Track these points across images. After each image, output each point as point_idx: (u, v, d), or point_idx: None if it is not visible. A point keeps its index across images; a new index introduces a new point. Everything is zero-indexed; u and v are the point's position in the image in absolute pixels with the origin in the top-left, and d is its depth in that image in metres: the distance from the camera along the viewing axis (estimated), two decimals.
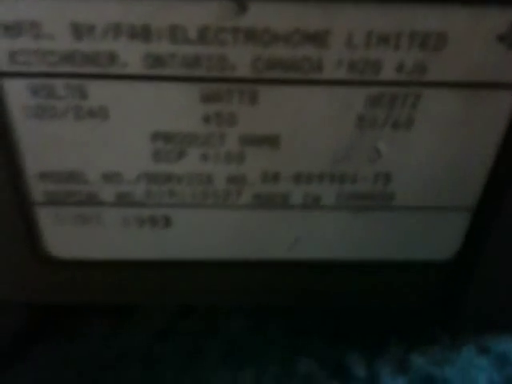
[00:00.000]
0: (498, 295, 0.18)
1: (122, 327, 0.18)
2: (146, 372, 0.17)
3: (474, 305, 0.18)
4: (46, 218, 0.16)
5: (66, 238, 0.17)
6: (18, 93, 0.14)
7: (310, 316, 0.18)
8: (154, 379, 0.16)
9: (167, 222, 0.16)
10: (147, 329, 0.18)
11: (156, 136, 0.15)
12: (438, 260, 0.17)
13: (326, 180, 0.16)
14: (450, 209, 0.16)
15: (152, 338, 0.18)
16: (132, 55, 0.13)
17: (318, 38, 0.13)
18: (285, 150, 0.15)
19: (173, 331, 0.18)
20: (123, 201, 0.16)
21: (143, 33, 0.13)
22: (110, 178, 0.15)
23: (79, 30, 0.13)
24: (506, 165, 0.15)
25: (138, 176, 0.15)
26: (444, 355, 0.18)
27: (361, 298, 0.18)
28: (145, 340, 0.18)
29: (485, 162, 0.15)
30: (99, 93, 0.14)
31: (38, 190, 0.16)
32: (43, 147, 0.15)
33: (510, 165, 0.15)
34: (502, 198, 0.16)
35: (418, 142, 0.15)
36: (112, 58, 0.13)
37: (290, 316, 0.18)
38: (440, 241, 0.17)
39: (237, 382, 0.16)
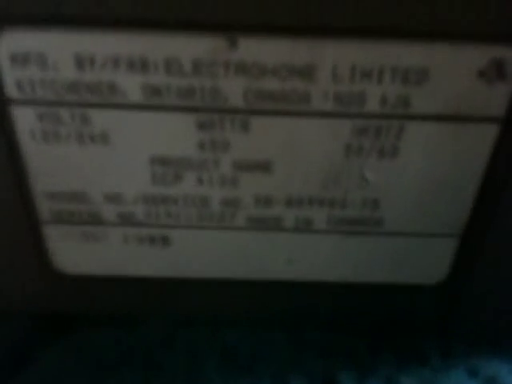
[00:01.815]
0: (486, 317, 0.18)
1: (124, 335, 0.19)
2: (147, 378, 0.17)
3: (464, 326, 0.18)
4: (52, 236, 0.17)
5: (71, 254, 0.17)
6: (25, 119, 0.15)
7: (302, 332, 0.19)
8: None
9: (165, 241, 0.17)
10: (149, 337, 0.19)
11: (154, 160, 0.15)
12: (427, 283, 0.18)
13: (316, 204, 0.16)
14: (438, 234, 0.17)
15: (153, 346, 0.18)
16: (131, 85, 0.14)
17: (305, 72, 0.14)
18: (276, 175, 0.16)
19: (173, 340, 0.19)
20: (124, 220, 0.17)
21: (141, 64, 0.14)
22: (111, 198, 0.16)
23: (81, 61, 0.14)
24: (491, 191, 0.16)
25: (137, 197, 0.16)
26: (433, 376, 0.18)
27: (351, 318, 0.18)
28: (146, 347, 0.18)
29: (470, 188, 0.16)
30: (101, 120, 0.15)
31: (45, 209, 0.16)
32: (49, 169, 0.16)
33: (495, 192, 0.16)
34: (489, 223, 0.16)
35: (403, 170, 0.15)
36: (112, 87, 0.14)
37: (283, 331, 0.19)
38: (428, 265, 0.17)
39: None
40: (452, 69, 0.14)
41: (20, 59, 0.14)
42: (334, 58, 0.14)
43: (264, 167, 0.15)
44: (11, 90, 0.14)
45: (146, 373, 0.18)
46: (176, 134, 0.15)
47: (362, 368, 0.18)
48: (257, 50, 0.14)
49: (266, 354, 0.18)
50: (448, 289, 0.18)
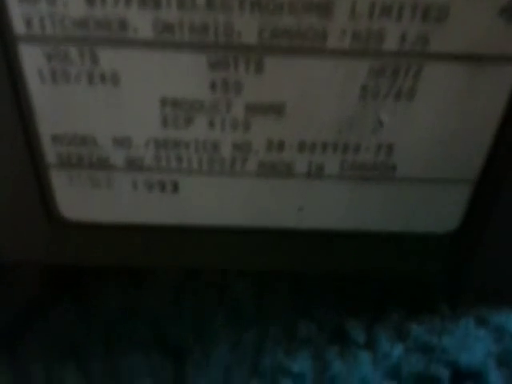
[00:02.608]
0: (498, 267, 0.18)
1: (132, 288, 0.19)
2: (156, 331, 0.17)
3: (475, 276, 0.18)
4: (59, 181, 0.17)
5: (78, 200, 0.17)
6: (33, 57, 0.14)
7: (312, 281, 0.19)
8: (162, 338, 0.17)
9: (175, 187, 0.17)
10: (157, 290, 0.18)
11: (165, 102, 0.15)
12: (440, 232, 0.18)
13: (329, 149, 0.16)
14: (452, 181, 0.17)
15: (161, 300, 0.18)
16: (142, 21, 0.14)
17: (322, 8, 0.13)
18: (290, 118, 0.15)
19: (181, 292, 0.18)
20: (133, 165, 0.16)
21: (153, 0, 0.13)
22: (120, 142, 0.16)
23: None
24: (507, 137, 0.15)
25: (147, 141, 0.16)
26: (442, 325, 0.18)
27: (362, 267, 0.18)
28: (154, 301, 0.18)
29: (487, 134, 0.16)
30: (111, 59, 0.14)
31: (51, 152, 0.16)
32: (57, 111, 0.15)
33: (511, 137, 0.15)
34: (505, 170, 0.16)
35: (420, 114, 0.15)
36: (123, 24, 0.14)
37: (293, 280, 0.19)
38: (441, 213, 0.17)
39: (239, 344, 0.17)
40: (473, 6, 0.13)
41: None
42: None
43: (277, 110, 0.15)
44: (19, 27, 0.14)
45: (154, 326, 0.18)
46: (188, 75, 0.15)
47: (371, 316, 0.18)
48: None
49: (274, 304, 0.18)
50: (461, 238, 0.18)
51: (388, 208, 0.17)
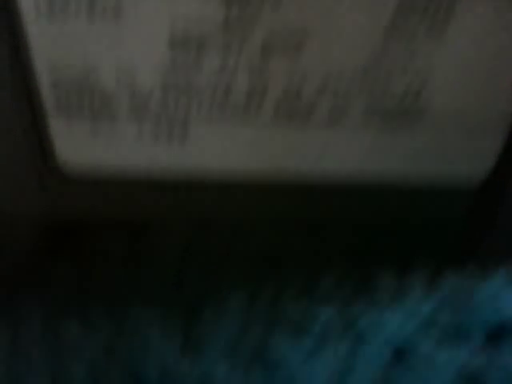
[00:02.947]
0: None
1: (137, 241, 0.18)
2: (163, 284, 0.16)
3: (502, 233, 0.17)
4: (59, 130, 0.15)
5: (79, 151, 0.16)
6: None
7: (332, 233, 0.17)
8: (170, 291, 0.16)
9: (183, 136, 0.15)
10: (164, 242, 0.17)
11: (173, 40, 0.14)
12: (467, 184, 0.16)
13: (353, 91, 0.14)
14: (482, 128, 0.15)
15: (169, 251, 0.17)
16: None
17: None
18: (310, 57, 0.14)
19: (189, 245, 0.17)
20: (138, 111, 0.15)
21: None
22: (124, 85, 0.14)
23: None
24: None
25: (153, 84, 0.14)
26: (473, 281, 0.17)
27: (385, 220, 0.17)
28: (162, 252, 0.17)
29: None
30: None
31: (50, 97, 0.15)
32: (56, 51, 0.14)
33: None
34: None
35: (451, 52, 0.14)
36: None
37: (309, 234, 0.17)
38: (469, 165, 0.16)
39: (256, 297, 0.16)
40: None
41: None
42: None
43: (296, 47, 0.14)
44: None
45: (162, 279, 0.17)
46: (199, 8, 0.13)
47: (397, 271, 0.17)
48: None
49: (292, 256, 0.17)
50: (487, 190, 0.16)
51: (412, 158, 0.16)
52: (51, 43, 0.14)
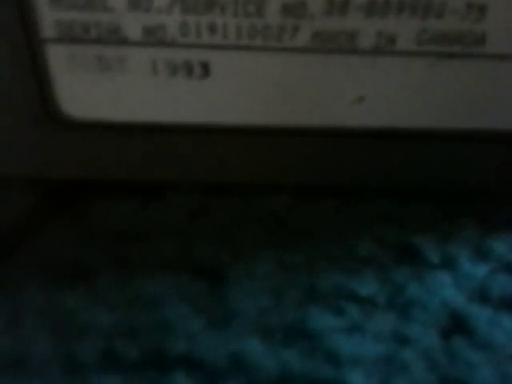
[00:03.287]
0: None
1: (144, 207, 0.15)
2: (180, 249, 0.14)
3: None
4: (58, 61, 0.13)
5: (82, 90, 0.13)
6: None
7: (367, 195, 0.15)
8: (189, 257, 0.13)
9: (205, 69, 0.13)
10: (179, 206, 0.15)
11: None
12: None
13: (406, 12, 0.12)
14: None
15: (185, 216, 0.15)
16: None
17: None
18: None
19: (207, 207, 0.15)
20: (152, 38, 0.13)
21: None
22: (136, 3, 0.12)
23: None
24: None
25: (171, 1, 0.12)
26: None
27: (429, 176, 0.15)
28: (176, 218, 0.15)
29: None
30: None
31: (49, 20, 0.12)
32: None
33: None
34: None
35: None
36: None
37: (343, 195, 0.15)
38: None
39: (288, 263, 0.13)
40: None
41: None
42: None
43: None
44: None
45: (178, 244, 0.14)
46: None
47: (443, 233, 0.14)
48: None
49: (323, 224, 0.15)
50: None
51: (468, 97, 0.14)
52: None
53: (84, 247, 0.14)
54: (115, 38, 0.13)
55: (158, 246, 0.14)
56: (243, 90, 0.13)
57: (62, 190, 0.16)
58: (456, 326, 0.13)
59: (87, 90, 0.13)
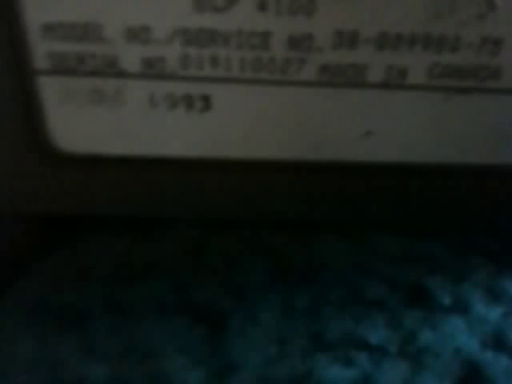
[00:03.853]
0: None
1: (140, 244, 0.14)
2: (178, 292, 0.13)
3: None
4: (51, 93, 0.12)
5: (77, 123, 0.13)
6: None
7: (376, 233, 0.14)
8: (187, 301, 0.13)
9: (206, 102, 0.12)
10: (176, 242, 0.14)
11: None
12: None
13: (418, 45, 0.12)
14: None
15: (182, 254, 0.14)
16: None
17: None
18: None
19: (206, 246, 0.14)
20: (151, 70, 0.12)
21: None
22: (134, 34, 0.11)
23: None
24: None
25: (172, 33, 0.11)
26: None
27: (441, 214, 0.14)
28: (174, 255, 0.14)
29: None
30: None
31: (41, 51, 0.12)
32: None
33: None
34: None
35: None
36: None
37: (349, 232, 0.14)
38: None
39: (291, 308, 0.12)
40: None
41: None
42: None
43: None
44: None
45: (175, 287, 0.13)
46: None
47: (454, 273, 0.14)
48: None
49: (328, 261, 0.14)
50: None
51: (482, 132, 0.13)
52: None
53: (75, 288, 0.14)
54: (112, 70, 0.12)
55: (154, 289, 0.13)
56: (246, 124, 0.13)
57: (54, 225, 0.15)
58: (470, 374, 0.12)
59: (81, 124, 0.13)
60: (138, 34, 0.11)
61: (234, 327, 0.12)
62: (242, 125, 0.13)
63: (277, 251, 0.14)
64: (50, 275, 0.14)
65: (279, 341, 0.12)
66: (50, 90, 0.12)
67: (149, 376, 0.11)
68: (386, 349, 0.12)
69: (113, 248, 0.15)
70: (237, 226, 0.15)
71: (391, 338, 0.12)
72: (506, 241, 0.15)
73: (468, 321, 0.13)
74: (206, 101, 0.12)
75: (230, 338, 0.12)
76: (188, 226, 0.15)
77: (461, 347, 0.12)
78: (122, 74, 0.12)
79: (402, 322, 0.12)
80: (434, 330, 0.12)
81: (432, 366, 0.12)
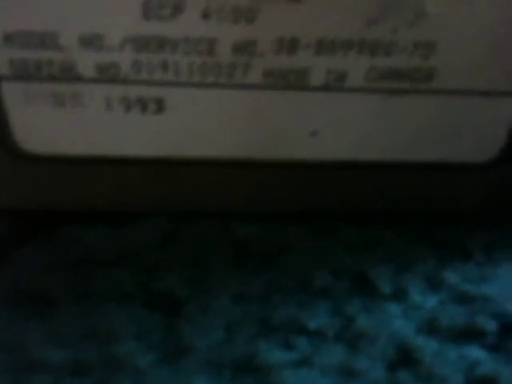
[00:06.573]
0: None
1: (113, 232, 0.15)
2: (140, 280, 0.13)
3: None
4: (13, 97, 0.12)
5: (39, 125, 0.13)
6: None
7: (324, 225, 0.15)
8: (147, 288, 0.13)
9: (160, 105, 0.13)
10: (145, 234, 0.14)
11: None
12: (477, 161, 0.14)
13: (354, 50, 0.12)
14: (497, 95, 0.13)
15: (151, 243, 0.14)
16: None
17: None
18: (307, 7, 0.11)
19: (169, 237, 0.14)
20: (106, 75, 0.12)
21: None
22: (88, 41, 0.12)
23: None
24: None
25: (123, 40, 0.12)
26: (480, 272, 0.14)
27: (386, 204, 0.14)
28: (143, 245, 0.14)
29: None
30: None
31: (3, 59, 0.12)
32: (8, 2, 0.11)
33: None
34: None
35: (473, 3, 0.11)
36: None
37: (302, 224, 0.15)
38: (482, 137, 0.13)
39: (244, 295, 0.13)
40: None
41: None
42: None
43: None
44: None
45: (138, 275, 0.14)
46: None
47: (397, 263, 0.14)
48: None
49: (285, 250, 0.14)
50: (501, 169, 0.14)
51: (419, 130, 0.13)
52: None
53: (47, 276, 0.14)
54: (69, 75, 0.12)
55: (118, 277, 0.14)
56: (198, 125, 0.13)
57: (30, 217, 0.15)
58: (402, 358, 0.12)
59: (44, 126, 0.13)
60: (91, 42, 0.11)
61: (187, 314, 0.12)
62: (195, 125, 0.13)
63: (243, 241, 0.14)
64: (24, 264, 0.14)
65: (228, 327, 0.12)
66: (13, 95, 0.12)
67: (104, 360, 0.11)
68: (324, 333, 0.12)
69: (83, 238, 0.15)
70: (207, 215, 0.15)
71: (330, 324, 0.12)
72: (448, 232, 0.15)
73: (405, 307, 0.13)
74: (159, 103, 0.12)
75: (182, 324, 0.12)
76: (158, 216, 0.15)
77: (396, 332, 0.12)
78: (78, 79, 0.12)
79: (343, 309, 0.13)
80: (371, 317, 0.12)
81: (367, 350, 0.12)
